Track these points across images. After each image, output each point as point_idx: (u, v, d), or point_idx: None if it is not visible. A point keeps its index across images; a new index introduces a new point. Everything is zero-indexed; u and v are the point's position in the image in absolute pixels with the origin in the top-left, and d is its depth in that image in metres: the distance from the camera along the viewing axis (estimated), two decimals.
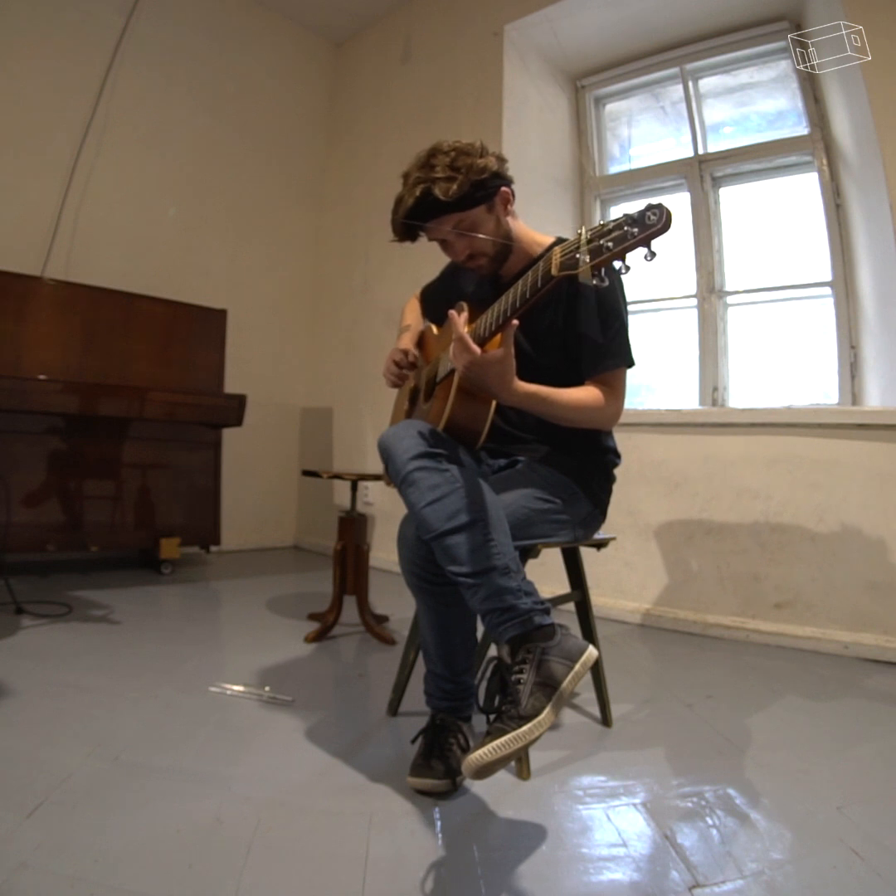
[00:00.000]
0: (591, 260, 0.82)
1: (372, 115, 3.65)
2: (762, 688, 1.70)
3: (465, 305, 1.22)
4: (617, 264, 0.82)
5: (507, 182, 1.20)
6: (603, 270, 0.84)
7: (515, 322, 0.99)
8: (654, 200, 0.79)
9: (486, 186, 1.16)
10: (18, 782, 1.05)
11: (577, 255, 0.84)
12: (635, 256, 0.80)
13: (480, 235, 1.18)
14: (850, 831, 0.99)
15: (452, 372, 1.14)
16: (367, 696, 1.60)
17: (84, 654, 1.73)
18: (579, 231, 0.85)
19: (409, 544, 1.13)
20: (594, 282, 0.84)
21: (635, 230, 0.78)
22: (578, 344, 1.18)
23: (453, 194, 1.12)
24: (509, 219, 1.23)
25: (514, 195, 1.23)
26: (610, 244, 0.80)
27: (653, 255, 0.79)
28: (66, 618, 2.03)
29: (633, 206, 0.79)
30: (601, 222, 0.83)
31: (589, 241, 0.83)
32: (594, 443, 1.29)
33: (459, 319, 1.03)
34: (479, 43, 3.08)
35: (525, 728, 0.89)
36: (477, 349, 1.00)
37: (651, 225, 0.78)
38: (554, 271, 0.88)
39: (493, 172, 1.16)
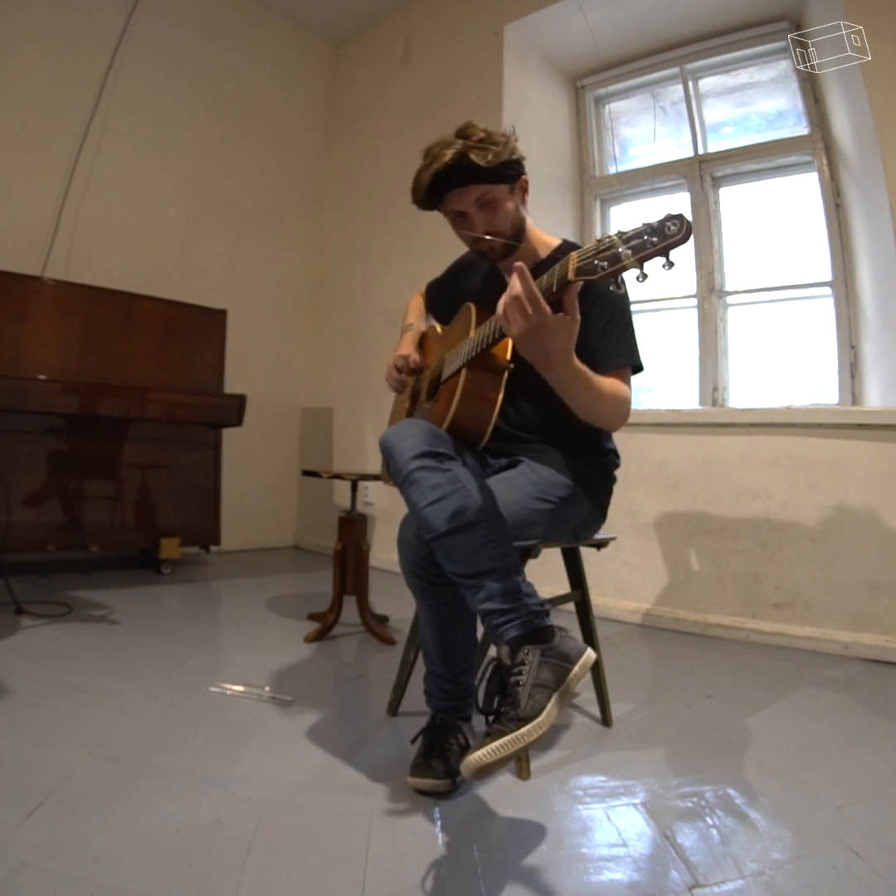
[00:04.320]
0: (608, 267, 0.82)
1: (372, 115, 3.65)
2: (762, 688, 1.70)
3: (472, 307, 1.22)
4: (634, 272, 0.81)
5: (526, 173, 1.22)
6: (619, 278, 0.84)
7: (580, 283, 0.89)
8: (673, 210, 0.79)
9: (515, 167, 1.18)
10: (18, 782, 1.05)
11: (596, 262, 0.84)
12: (652, 265, 0.80)
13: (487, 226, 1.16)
14: (850, 831, 0.99)
15: (458, 372, 1.14)
16: (367, 696, 1.61)
17: (84, 654, 1.73)
18: (598, 237, 0.85)
19: (409, 544, 1.13)
20: (610, 288, 0.84)
21: (655, 239, 0.78)
22: (584, 346, 1.17)
23: (490, 162, 1.12)
24: (524, 210, 1.24)
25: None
26: (628, 252, 0.80)
27: (671, 264, 0.79)
28: (66, 618, 2.03)
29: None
30: (619, 230, 0.83)
31: (608, 248, 0.83)
32: (595, 444, 1.29)
33: (527, 272, 0.91)
34: (479, 43, 3.08)
35: (524, 729, 0.89)
36: (550, 311, 0.91)
37: (671, 235, 0.77)
38: (571, 276, 0.87)
39: (520, 158, 1.19)
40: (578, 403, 1.08)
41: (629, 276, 0.83)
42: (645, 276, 0.81)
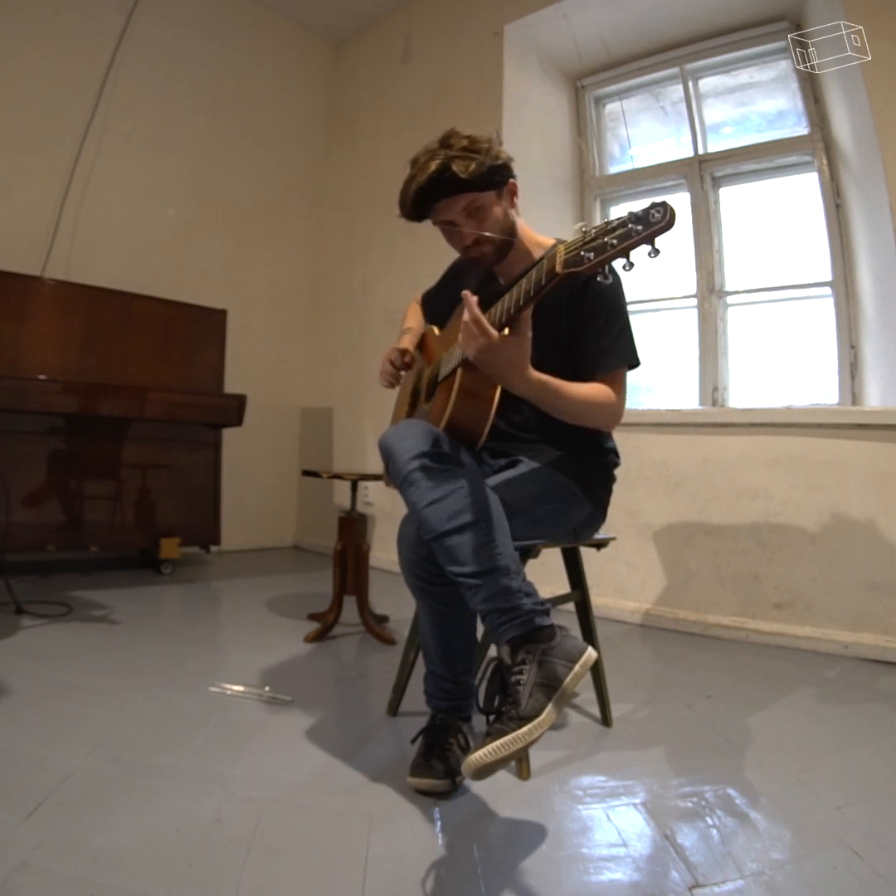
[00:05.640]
0: (595, 257, 0.82)
1: (372, 115, 3.65)
2: (762, 688, 1.70)
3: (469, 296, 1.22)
4: (621, 261, 0.81)
5: (514, 174, 1.22)
6: (607, 268, 0.84)
7: (529, 309, 0.96)
8: (658, 199, 0.79)
9: (501, 173, 1.18)
10: (18, 782, 1.05)
11: (582, 253, 0.83)
12: (639, 254, 0.80)
13: (484, 229, 1.17)
14: (850, 831, 0.99)
15: (454, 372, 1.14)
16: (367, 696, 1.61)
17: (84, 654, 1.73)
18: (583, 228, 0.85)
19: (409, 544, 1.13)
20: (598, 279, 0.84)
21: (639, 227, 0.78)
22: (580, 346, 1.18)
23: (472, 172, 1.12)
24: (513, 213, 1.25)
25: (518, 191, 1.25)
26: (614, 241, 0.80)
27: (656, 252, 0.79)
28: (66, 618, 2.03)
29: (634, 207, 0.79)
30: (605, 220, 0.83)
31: (593, 239, 0.83)
32: (595, 444, 1.29)
33: (473, 300, 0.99)
34: (479, 43, 3.08)
35: (525, 729, 0.89)
36: (494, 332, 0.97)
37: (655, 222, 0.78)
38: (558, 268, 0.87)
39: (506, 162, 1.19)
40: (554, 411, 1.11)
41: (617, 265, 0.84)
42: (631, 264, 0.81)
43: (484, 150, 1.14)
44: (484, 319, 0.97)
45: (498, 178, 1.17)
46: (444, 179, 1.13)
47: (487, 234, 1.18)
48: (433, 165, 1.12)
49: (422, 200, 1.17)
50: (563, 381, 1.08)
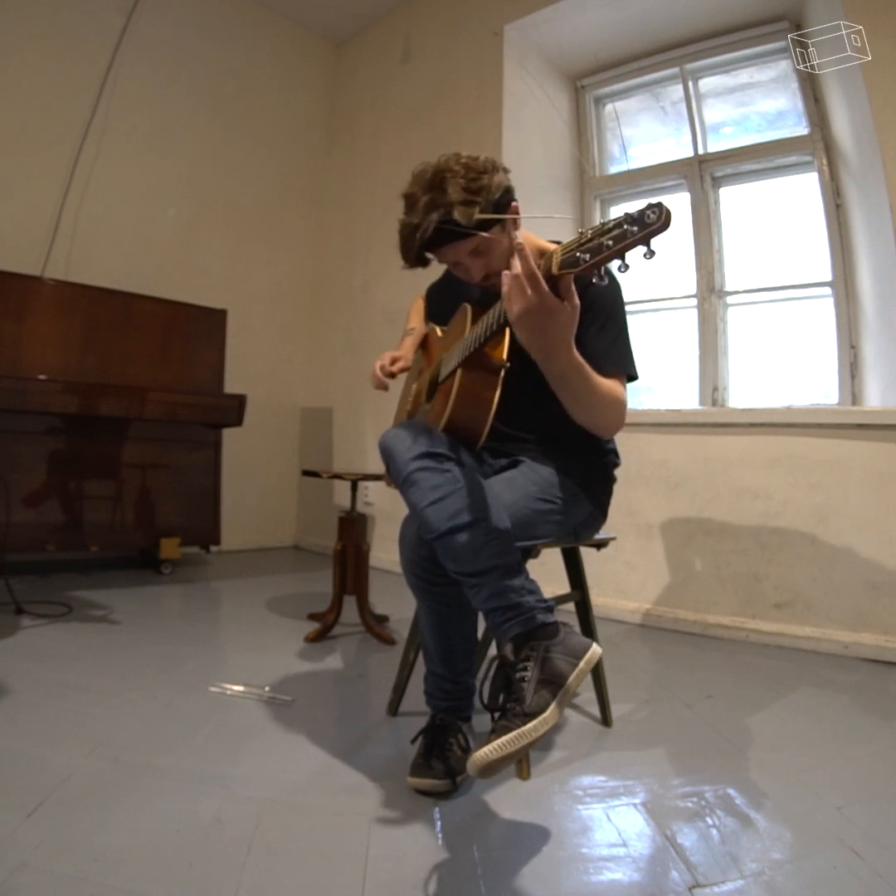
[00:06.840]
0: (591, 258, 0.82)
1: (372, 115, 3.65)
2: (762, 688, 1.70)
3: (468, 307, 1.22)
4: (616, 263, 0.81)
5: (514, 195, 1.18)
6: (602, 270, 0.84)
7: (570, 274, 0.87)
8: (654, 200, 0.79)
9: (502, 207, 1.14)
10: (18, 782, 1.05)
11: (578, 254, 0.84)
12: (635, 255, 0.80)
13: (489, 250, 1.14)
14: (850, 831, 0.99)
15: (454, 373, 1.14)
16: (367, 696, 1.61)
17: (84, 654, 1.73)
18: (580, 230, 0.85)
19: (410, 544, 1.13)
20: (594, 280, 0.84)
21: (635, 228, 0.78)
22: (579, 349, 1.16)
23: (476, 220, 1.08)
24: (517, 234, 1.22)
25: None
26: (610, 243, 0.80)
27: (652, 253, 0.79)
28: (66, 618, 2.03)
29: (634, 206, 0.79)
30: (601, 222, 0.83)
31: (589, 240, 0.83)
32: (594, 444, 1.28)
33: (527, 250, 0.89)
34: (479, 43, 3.08)
35: (530, 725, 0.89)
36: (548, 290, 0.88)
37: (650, 223, 0.77)
38: (554, 270, 0.87)
39: (506, 188, 1.15)
40: (576, 401, 1.06)
41: (613, 267, 0.83)
42: (627, 266, 0.81)
43: (484, 188, 1.09)
44: (540, 276, 0.88)
45: (500, 211, 1.13)
46: (447, 231, 1.09)
47: (496, 264, 1.15)
48: (435, 216, 1.08)
49: (424, 251, 1.14)
50: (591, 370, 1.03)
